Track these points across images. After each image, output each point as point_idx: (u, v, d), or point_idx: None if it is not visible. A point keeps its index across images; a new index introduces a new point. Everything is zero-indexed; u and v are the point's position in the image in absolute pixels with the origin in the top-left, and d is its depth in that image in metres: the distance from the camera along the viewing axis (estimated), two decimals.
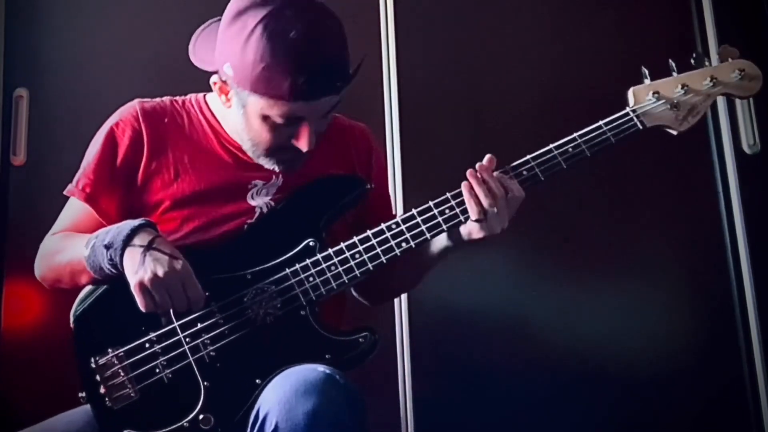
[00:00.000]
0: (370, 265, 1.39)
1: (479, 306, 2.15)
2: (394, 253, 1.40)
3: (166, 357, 1.34)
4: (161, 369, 1.34)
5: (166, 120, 1.51)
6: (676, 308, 2.22)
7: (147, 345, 1.34)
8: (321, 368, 1.24)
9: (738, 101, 2.24)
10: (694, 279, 2.24)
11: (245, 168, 1.48)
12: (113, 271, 1.32)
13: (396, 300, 2.11)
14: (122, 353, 1.34)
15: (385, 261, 1.40)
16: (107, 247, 1.31)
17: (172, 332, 1.35)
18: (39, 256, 1.50)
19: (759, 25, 2.33)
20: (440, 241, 1.47)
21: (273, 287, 1.37)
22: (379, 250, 1.39)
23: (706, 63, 1.49)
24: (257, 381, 1.32)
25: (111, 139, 1.48)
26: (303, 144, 1.39)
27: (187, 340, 1.34)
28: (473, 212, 1.38)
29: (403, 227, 1.41)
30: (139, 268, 1.28)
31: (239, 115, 1.41)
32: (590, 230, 2.24)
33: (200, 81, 1.68)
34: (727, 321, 2.19)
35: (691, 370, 2.17)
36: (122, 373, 1.33)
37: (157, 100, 1.55)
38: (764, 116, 2.26)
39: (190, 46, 1.49)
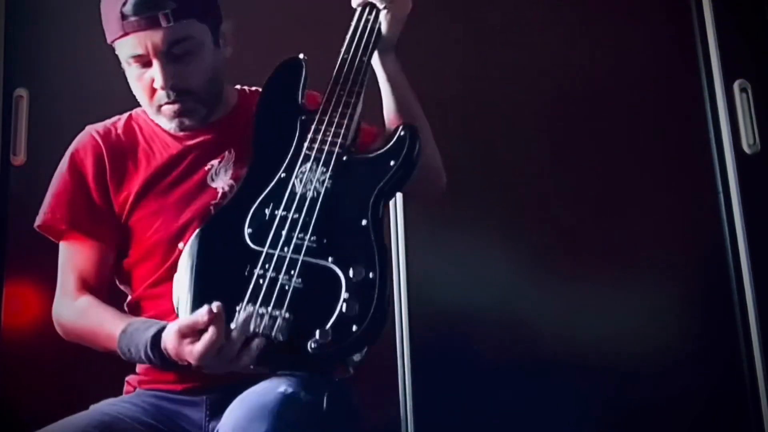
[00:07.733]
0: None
1: (479, 306, 2.15)
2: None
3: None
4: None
5: (120, 132, 1.56)
6: (676, 308, 2.22)
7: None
8: (282, 388, 1.18)
9: (738, 101, 2.24)
10: (694, 279, 2.24)
11: (198, 154, 1.51)
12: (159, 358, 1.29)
13: (396, 299, 2.11)
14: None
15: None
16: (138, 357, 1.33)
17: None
18: (57, 324, 1.50)
19: (760, 28, 2.33)
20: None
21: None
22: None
23: None
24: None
25: (74, 168, 1.53)
26: (157, 81, 1.42)
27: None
28: None
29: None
30: (187, 356, 1.22)
31: None
32: (589, 229, 2.24)
33: None
34: (727, 321, 2.18)
35: (690, 370, 2.16)
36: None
37: (106, 121, 1.60)
38: (764, 116, 2.26)
39: None
